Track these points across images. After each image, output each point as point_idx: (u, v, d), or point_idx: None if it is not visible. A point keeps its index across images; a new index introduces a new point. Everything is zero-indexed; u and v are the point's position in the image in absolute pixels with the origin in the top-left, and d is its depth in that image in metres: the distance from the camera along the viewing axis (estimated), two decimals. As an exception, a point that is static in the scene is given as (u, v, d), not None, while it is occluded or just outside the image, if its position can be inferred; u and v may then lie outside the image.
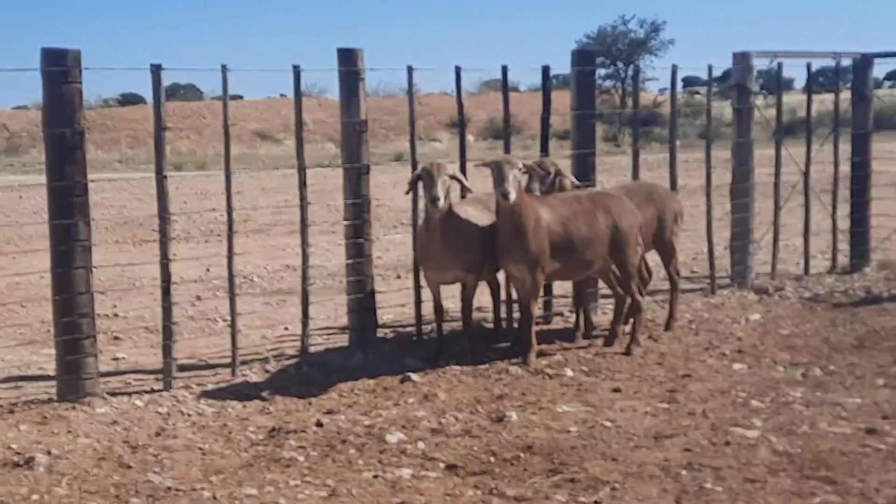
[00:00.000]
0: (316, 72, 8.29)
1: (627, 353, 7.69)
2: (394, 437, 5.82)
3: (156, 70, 6.76)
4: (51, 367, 6.93)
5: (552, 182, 7.96)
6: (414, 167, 7.93)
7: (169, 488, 5.10)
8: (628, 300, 8.02)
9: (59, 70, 6.38)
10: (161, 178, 6.90)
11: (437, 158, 8.05)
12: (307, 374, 7.30)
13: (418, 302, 8.27)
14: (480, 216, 7.57)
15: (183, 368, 7.33)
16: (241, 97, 46.80)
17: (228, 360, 7.37)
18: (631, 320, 8.01)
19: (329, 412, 6.38)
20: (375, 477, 5.24)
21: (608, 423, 6.02)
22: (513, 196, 6.96)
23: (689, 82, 48.70)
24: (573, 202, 7.65)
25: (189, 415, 6.41)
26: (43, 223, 7.05)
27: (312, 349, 7.82)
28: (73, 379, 6.58)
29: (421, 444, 5.71)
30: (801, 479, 5.08)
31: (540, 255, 7.30)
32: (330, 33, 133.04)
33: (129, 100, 50.81)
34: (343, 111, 7.78)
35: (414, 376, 7.12)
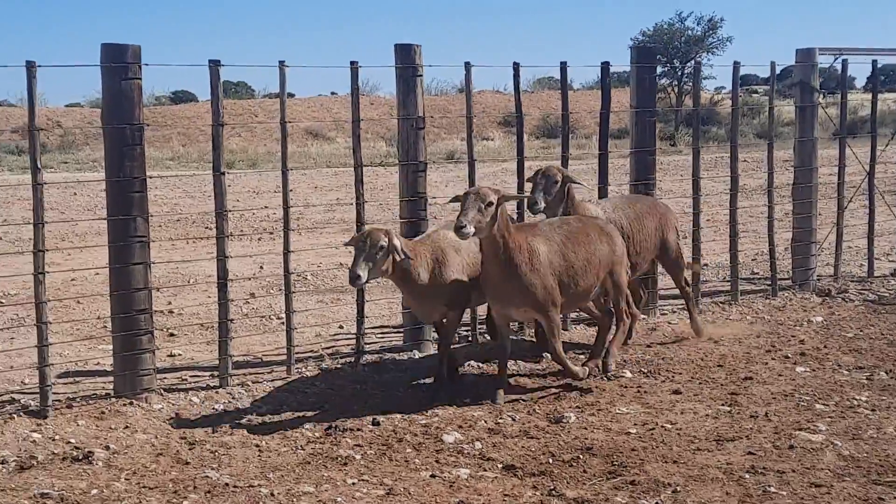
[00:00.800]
0: (369, 68, 8.25)
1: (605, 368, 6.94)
2: (451, 437, 5.78)
3: (214, 66, 6.77)
4: (108, 363, 6.97)
5: (560, 191, 7.48)
6: (471, 165, 7.89)
7: (226, 484, 5.09)
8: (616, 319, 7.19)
9: (119, 66, 6.40)
10: (218, 175, 6.89)
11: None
12: (362, 373, 7.27)
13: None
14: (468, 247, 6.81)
15: (238, 366, 7.33)
16: (292, 95, 47.01)
17: (284, 358, 7.36)
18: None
19: (385, 411, 6.35)
20: (433, 476, 5.20)
21: (668, 426, 5.93)
22: (467, 230, 6.01)
23: (745, 81, 48.11)
24: (562, 225, 6.84)
25: (245, 411, 6.41)
26: (97, 220, 7.08)
27: (367, 348, 7.79)
28: (130, 375, 6.61)
29: (478, 444, 5.66)
30: (868, 483, 4.97)
31: (546, 292, 6.46)
32: (378, 30, 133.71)
33: (181, 97, 51.20)
34: (400, 108, 7.74)
35: (469, 376, 7.05)
